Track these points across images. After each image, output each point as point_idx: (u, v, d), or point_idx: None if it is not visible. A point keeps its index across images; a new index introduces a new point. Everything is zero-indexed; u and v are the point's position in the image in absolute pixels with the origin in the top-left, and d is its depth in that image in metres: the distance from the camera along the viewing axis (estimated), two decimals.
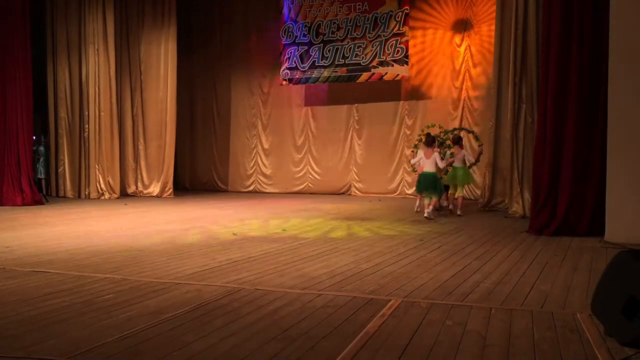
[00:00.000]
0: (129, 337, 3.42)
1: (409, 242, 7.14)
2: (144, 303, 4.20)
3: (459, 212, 10.26)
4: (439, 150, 10.34)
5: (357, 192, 15.25)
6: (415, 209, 10.80)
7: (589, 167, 7.71)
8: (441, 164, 9.90)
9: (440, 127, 11.57)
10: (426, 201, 9.87)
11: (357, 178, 15.35)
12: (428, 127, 11.59)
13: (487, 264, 5.72)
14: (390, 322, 3.71)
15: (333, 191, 15.38)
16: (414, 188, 13.99)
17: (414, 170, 10.84)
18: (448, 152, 10.79)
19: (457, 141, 10.72)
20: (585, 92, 7.76)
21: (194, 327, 3.61)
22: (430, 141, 9.91)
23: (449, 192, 10.77)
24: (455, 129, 12.01)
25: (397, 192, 14.68)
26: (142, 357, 3.10)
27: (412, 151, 11.21)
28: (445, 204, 10.94)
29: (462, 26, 13.89)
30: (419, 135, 11.75)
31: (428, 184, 9.68)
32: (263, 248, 6.66)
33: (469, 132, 12.21)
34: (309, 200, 13.75)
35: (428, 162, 9.70)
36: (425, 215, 9.62)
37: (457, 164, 10.46)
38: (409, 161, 11.43)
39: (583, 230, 7.63)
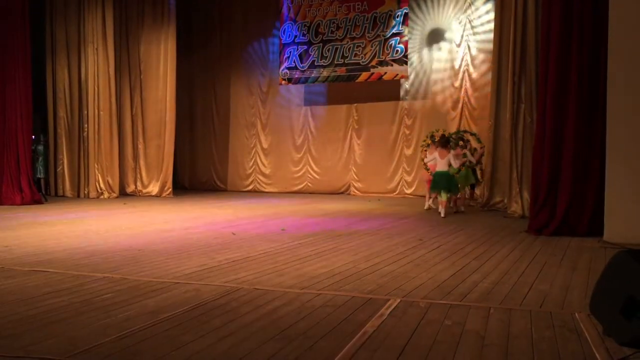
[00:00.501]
0: (127, 336, 3.42)
1: (408, 241, 7.14)
2: (143, 302, 4.19)
3: (462, 209, 10.81)
4: (459, 150, 10.83)
5: (356, 191, 15.25)
6: (426, 206, 11.16)
7: (588, 167, 7.70)
8: (455, 164, 10.21)
9: (444, 131, 11.75)
10: (442, 198, 10.10)
11: (356, 178, 15.35)
12: (433, 132, 11.66)
13: (486, 263, 5.72)
14: (389, 322, 3.71)
15: (332, 191, 15.38)
16: (413, 188, 14.28)
17: (427, 169, 11.28)
18: (462, 151, 11.20)
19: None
20: (584, 92, 7.75)
21: (192, 327, 3.61)
22: (444, 142, 10.24)
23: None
24: (459, 131, 12.18)
25: (397, 192, 14.69)
26: (140, 357, 3.10)
27: (425, 150, 11.67)
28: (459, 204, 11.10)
29: (462, 25, 13.89)
30: (427, 137, 11.83)
31: (443, 182, 9.96)
32: (262, 247, 6.66)
33: (471, 134, 12.32)
34: (309, 199, 13.74)
35: (442, 162, 10.01)
36: (443, 215, 9.89)
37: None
38: (422, 160, 11.80)
39: (582, 230, 7.62)
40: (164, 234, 7.84)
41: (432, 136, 11.37)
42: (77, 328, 3.59)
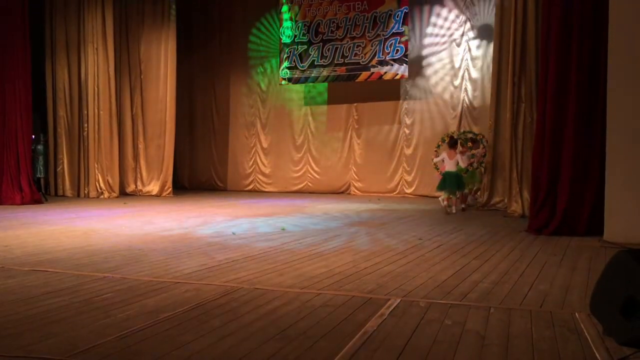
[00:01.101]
0: (127, 336, 3.42)
1: (408, 241, 7.15)
2: (143, 302, 4.19)
3: (462, 206, 10.98)
4: (465, 149, 11.31)
5: (356, 191, 15.25)
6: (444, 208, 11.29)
7: (588, 167, 7.70)
8: (462, 163, 10.72)
9: (458, 133, 12.07)
10: (444, 196, 10.54)
11: (356, 177, 15.34)
12: (448, 134, 12.25)
13: (486, 263, 5.72)
14: (389, 322, 3.71)
15: (332, 190, 15.38)
16: (413, 188, 14.30)
17: (437, 169, 11.68)
18: (469, 153, 11.57)
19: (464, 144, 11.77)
20: (584, 92, 7.75)
21: (192, 327, 3.61)
22: (453, 143, 10.82)
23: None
24: (464, 132, 12.33)
25: (397, 192, 14.69)
26: (140, 357, 3.10)
27: (435, 151, 12.18)
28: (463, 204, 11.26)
29: (462, 25, 13.89)
30: (443, 138, 12.10)
31: (452, 182, 10.44)
32: (262, 247, 6.66)
33: (474, 135, 12.41)
34: (309, 199, 13.74)
35: (451, 162, 10.54)
36: (447, 211, 10.30)
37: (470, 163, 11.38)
38: (432, 160, 12.24)
39: (582, 230, 7.62)
40: (164, 234, 7.84)
41: (443, 139, 11.72)
42: (77, 328, 3.60)
